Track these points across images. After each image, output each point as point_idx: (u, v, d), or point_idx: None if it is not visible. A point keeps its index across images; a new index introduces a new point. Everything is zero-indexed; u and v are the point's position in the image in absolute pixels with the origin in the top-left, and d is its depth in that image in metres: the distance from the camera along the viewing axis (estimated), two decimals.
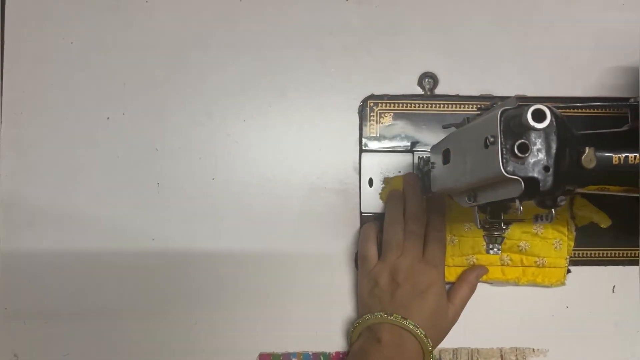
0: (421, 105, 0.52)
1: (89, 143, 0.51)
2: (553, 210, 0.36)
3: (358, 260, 0.49)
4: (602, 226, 0.50)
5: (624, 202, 0.48)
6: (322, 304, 0.50)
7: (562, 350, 0.50)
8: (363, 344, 0.46)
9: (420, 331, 0.44)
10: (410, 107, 0.52)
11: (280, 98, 0.52)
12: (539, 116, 0.32)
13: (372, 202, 0.51)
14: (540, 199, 0.35)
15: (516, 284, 0.50)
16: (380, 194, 0.51)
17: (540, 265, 0.49)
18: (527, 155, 0.33)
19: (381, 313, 0.45)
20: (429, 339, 0.44)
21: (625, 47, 0.52)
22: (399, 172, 0.51)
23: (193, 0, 0.52)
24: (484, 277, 0.50)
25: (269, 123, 0.51)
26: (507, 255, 0.49)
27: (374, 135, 0.51)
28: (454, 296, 0.48)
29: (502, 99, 0.44)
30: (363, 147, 0.51)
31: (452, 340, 0.49)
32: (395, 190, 0.50)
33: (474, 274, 0.49)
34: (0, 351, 0.49)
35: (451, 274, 0.49)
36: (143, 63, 0.51)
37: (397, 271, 0.46)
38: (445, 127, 0.50)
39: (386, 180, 0.51)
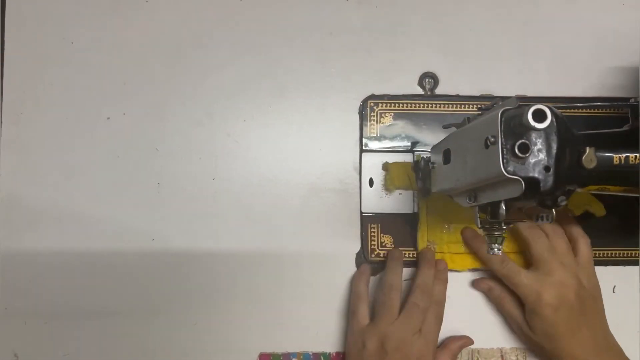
0: (421, 105, 0.52)
1: (89, 143, 0.51)
2: (553, 210, 0.36)
3: (348, 313, 0.49)
4: (597, 215, 0.50)
5: (624, 202, 0.48)
6: (322, 304, 0.50)
7: None
8: None
9: None
10: (411, 107, 0.52)
11: (280, 98, 0.52)
12: (539, 116, 0.32)
13: (372, 202, 0.51)
14: (541, 199, 0.35)
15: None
16: (384, 183, 0.51)
17: None
18: (527, 155, 0.33)
19: None
20: None
21: (625, 47, 0.52)
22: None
23: (193, 0, 0.52)
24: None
25: (269, 123, 0.51)
26: None
27: (374, 135, 0.51)
28: None
29: (503, 99, 0.44)
30: (363, 147, 0.51)
31: None
32: (396, 251, 0.50)
33: (457, 344, 0.48)
34: (0, 351, 0.49)
35: (453, 261, 0.50)
36: (143, 63, 0.51)
37: (387, 339, 0.44)
38: (445, 127, 0.50)
39: (385, 166, 0.51)
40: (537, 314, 0.45)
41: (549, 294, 0.44)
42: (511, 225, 0.45)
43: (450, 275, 0.50)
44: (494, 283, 0.49)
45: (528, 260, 0.48)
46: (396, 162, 0.51)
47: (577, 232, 0.48)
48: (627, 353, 0.47)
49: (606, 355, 0.45)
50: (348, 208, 0.51)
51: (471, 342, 0.49)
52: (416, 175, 0.50)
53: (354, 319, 0.47)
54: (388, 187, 0.50)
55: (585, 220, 0.51)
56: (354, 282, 0.49)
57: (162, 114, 0.51)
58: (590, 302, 0.46)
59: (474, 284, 0.50)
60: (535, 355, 0.49)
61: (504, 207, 0.36)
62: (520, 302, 0.47)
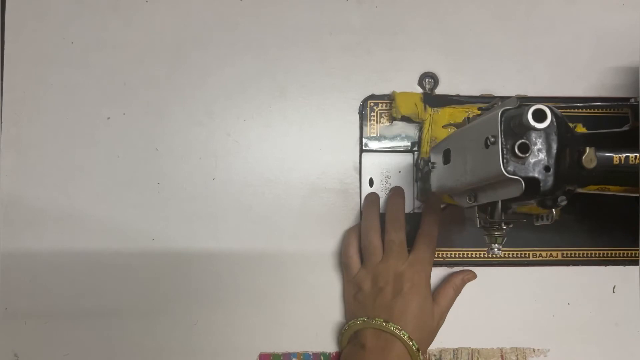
0: None
1: (89, 143, 0.51)
2: (553, 210, 0.36)
3: (342, 267, 0.50)
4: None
5: (624, 202, 0.48)
6: (322, 304, 0.50)
7: (562, 350, 0.50)
8: (349, 350, 0.46)
9: (403, 333, 0.43)
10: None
11: (280, 98, 0.52)
12: (539, 116, 0.32)
13: None
14: (541, 199, 0.35)
15: None
16: (392, 110, 0.50)
17: None
18: (527, 155, 0.33)
19: (364, 318, 0.45)
20: (413, 342, 0.44)
21: (625, 47, 0.52)
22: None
23: (193, 0, 0.52)
24: None
25: (269, 123, 0.51)
26: None
27: (374, 135, 0.51)
28: (438, 297, 0.48)
29: (503, 99, 0.44)
30: (363, 147, 0.51)
31: (452, 340, 0.50)
32: (372, 194, 0.50)
33: (459, 277, 0.49)
34: (0, 351, 0.49)
35: None
36: (143, 63, 0.51)
37: (378, 275, 0.46)
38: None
39: (392, 95, 0.50)
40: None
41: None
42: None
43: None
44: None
45: None
46: (403, 91, 0.51)
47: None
48: (627, 353, 0.47)
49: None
50: (348, 208, 0.51)
51: (474, 276, 0.49)
52: (416, 175, 0.50)
53: (347, 269, 0.49)
54: (394, 114, 0.50)
55: (586, 220, 0.51)
56: (344, 236, 0.50)
57: (162, 114, 0.51)
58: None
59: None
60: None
61: (500, 208, 0.36)
62: None
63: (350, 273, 0.48)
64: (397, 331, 0.43)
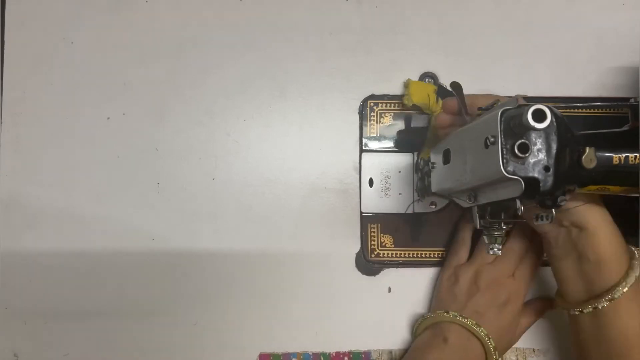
0: None
1: (89, 143, 0.51)
2: (553, 210, 0.36)
3: (446, 254, 0.50)
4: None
5: (624, 202, 0.48)
6: (322, 304, 0.50)
7: (562, 350, 0.50)
8: (428, 340, 0.46)
9: (491, 342, 0.43)
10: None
11: (280, 98, 0.52)
12: (539, 116, 0.32)
13: (372, 202, 0.51)
14: (541, 199, 0.35)
15: None
16: (404, 97, 0.50)
17: None
18: (527, 155, 0.33)
19: (456, 313, 0.45)
20: (496, 352, 0.44)
21: (625, 47, 0.52)
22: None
23: (193, 0, 0.52)
24: None
25: (269, 123, 0.51)
26: None
27: (374, 135, 0.51)
28: (523, 318, 0.47)
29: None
30: (363, 147, 0.51)
31: None
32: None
33: (543, 304, 0.49)
34: (0, 351, 0.49)
35: None
36: (143, 63, 0.51)
37: (481, 275, 0.46)
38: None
39: (406, 83, 0.50)
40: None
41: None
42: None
43: None
44: None
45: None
46: (418, 81, 0.51)
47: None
48: None
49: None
50: (348, 208, 0.51)
51: (552, 307, 0.49)
52: (416, 175, 0.50)
53: (452, 256, 0.48)
54: (405, 102, 0.50)
55: None
56: (459, 227, 0.50)
57: (162, 114, 0.51)
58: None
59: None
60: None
61: (519, 203, 0.35)
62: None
63: (453, 262, 0.48)
64: (485, 338, 0.43)
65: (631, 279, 0.40)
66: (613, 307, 0.39)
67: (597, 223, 0.40)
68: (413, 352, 0.46)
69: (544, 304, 0.49)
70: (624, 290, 0.39)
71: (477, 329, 0.44)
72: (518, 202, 0.35)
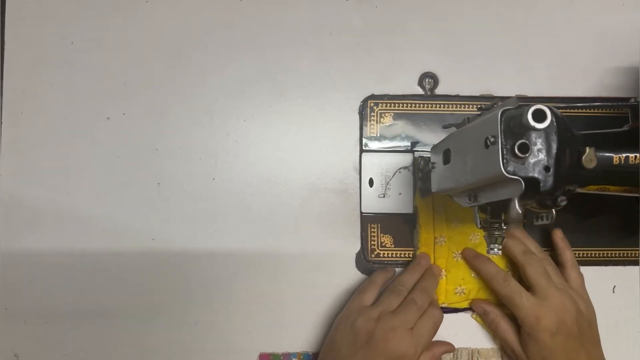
0: (421, 105, 0.52)
1: (89, 143, 0.51)
2: (553, 210, 0.36)
3: (353, 294, 0.48)
4: None
5: (624, 202, 0.48)
6: (322, 304, 0.50)
7: None
8: None
9: None
10: (411, 107, 0.52)
11: (280, 98, 0.52)
12: (539, 116, 0.32)
13: (372, 202, 0.51)
14: (541, 199, 0.35)
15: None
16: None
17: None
18: (527, 155, 0.33)
19: None
20: None
21: (625, 47, 0.52)
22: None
23: (193, 0, 0.52)
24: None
25: (269, 123, 0.51)
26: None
27: (374, 135, 0.51)
28: None
29: (503, 99, 0.44)
30: (363, 147, 0.51)
31: (452, 341, 0.49)
32: (425, 258, 0.49)
33: (441, 349, 0.47)
34: (0, 351, 0.49)
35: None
36: (143, 63, 0.51)
37: (378, 325, 0.43)
38: (445, 127, 0.50)
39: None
40: (534, 339, 0.44)
41: (548, 319, 0.43)
42: (504, 240, 0.43)
43: None
44: (489, 307, 0.48)
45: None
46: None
47: (567, 257, 0.48)
48: (627, 353, 0.47)
49: None
50: (348, 208, 0.51)
51: (453, 349, 0.48)
52: (416, 175, 0.50)
53: (358, 296, 0.47)
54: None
55: (586, 220, 0.51)
56: (375, 273, 0.49)
57: (162, 114, 0.51)
58: (587, 328, 0.45)
59: (471, 304, 0.50)
60: None
61: (518, 205, 0.35)
62: (515, 327, 0.47)
63: (357, 302, 0.46)
64: None
65: None
66: None
67: None
68: None
69: (441, 348, 0.48)
70: None
71: None
72: (517, 204, 0.35)
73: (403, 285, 0.47)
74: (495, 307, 0.48)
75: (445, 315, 0.48)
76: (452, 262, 0.49)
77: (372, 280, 0.48)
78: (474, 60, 0.52)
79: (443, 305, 0.49)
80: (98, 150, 0.51)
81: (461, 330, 0.50)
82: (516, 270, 0.48)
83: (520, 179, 0.33)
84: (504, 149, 0.33)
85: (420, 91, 0.52)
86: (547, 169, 0.33)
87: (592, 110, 0.52)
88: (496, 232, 0.40)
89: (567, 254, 0.48)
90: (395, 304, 0.45)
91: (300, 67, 0.52)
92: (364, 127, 0.52)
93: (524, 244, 0.47)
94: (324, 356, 0.46)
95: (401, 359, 0.43)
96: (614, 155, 0.37)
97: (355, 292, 0.48)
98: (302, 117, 0.52)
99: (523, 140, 0.33)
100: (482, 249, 0.49)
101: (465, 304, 0.50)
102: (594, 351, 0.45)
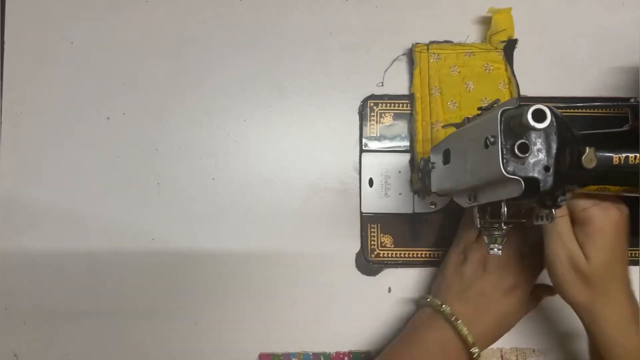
0: None
1: (89, 143, 0.51)
2: (553, 210, 0.36)
3: (457, 232, 0.48)
4: None
5: (624, 202, 0.48)
6: (322, 304, 0.50)
7: (562, 350, 0.50)
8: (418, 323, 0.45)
9: (468, 338, 0.42)
10: (411, 107, 0.52)
11: (280, 98, 0.52)
12: (539, 116, 0.32)
13: (372, 202, 0.51)
14: (541, 199, 0.35)
15: None
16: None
17: None
18: (527, 155, 0.33)
19: (445, 306, 0.44)
20: (475, 346, 0.43)
21: (625, 47, 0.52)
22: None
23: (193, 0, 0.52)
24: None
25: (269, 123, 0.51)
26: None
27: (374, 135, 0.51)
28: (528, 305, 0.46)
29: None
30: (363, 147, 0.51)
31: None
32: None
33: (544, 291, 0.47)
34: (0, 351, 0.49)
35: None
36: (143, 63, 0.51)
37: (489, 258, 0.44)
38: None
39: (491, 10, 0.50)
40: (599, 231, 0.39)
41: (607, 214, 0.39)
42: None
43: None
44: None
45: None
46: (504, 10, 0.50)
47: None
48: None
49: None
50: (348, 208, 0.51)
51: (552, 293, 0.47)
52: (416, 175, 0.50)
53: (462, 233, 0.47)
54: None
55: None
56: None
57: (162, 114, 0.51)
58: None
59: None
60: (573, 302, 0.42)
61: (505, 208, 0.36)
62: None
63: (463, 238, 0.47)
64: (466, 334, 0.43)
65: None
66: None
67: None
68: (404, 332, 0.46)
69: (544, 291, 0.47)
70: None
71: (461, 329, 0.43)
72: (503, 206, 0.35)
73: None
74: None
75: None
76: (446, 79, 0.50)
77: (471, 217, 0.45)
78: None
79: (439, 122, 0.49)
80: (98, 150, 0.51)
81: None
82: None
83: (520, 179, 0.33)
84: (504, 149, 0.33)
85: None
86: (547, 168, 0.33)
87: (592, 110, 0.52)
88: (496, 232, 0.40)
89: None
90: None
91: (300, 67, 0.52)
92: (364, 127, 0.52)
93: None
94: (444, 293, 0.46)
95: (514, 289, 0.43)
96: (614, 155, 0.37)
97: (458, 232, 0.48)
98: (302, 117, 0.52)
99: (523, 140, 0.33)
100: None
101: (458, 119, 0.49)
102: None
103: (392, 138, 0.52)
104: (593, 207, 0.39)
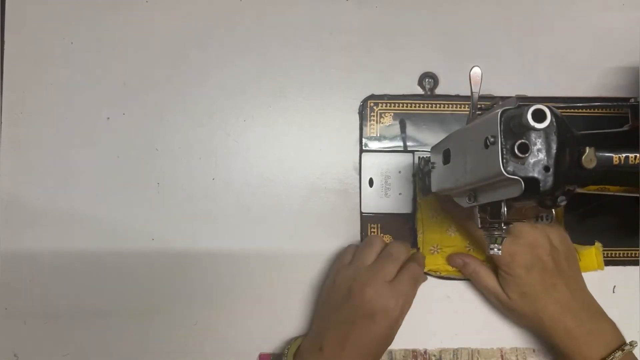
0: (421, 105, 0.52)
1: (89, 143, 0.51)
2: (553, 210, 0.36)
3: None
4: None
5: (624, 202, 0.48)
6: None
7: None
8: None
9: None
10: (411, 107, 0.52)
11: (281, 98, 0.52)
12: (539, 116, 0.32)
13: (372, 202, 0.51)
14: (541, 199, 0.35)
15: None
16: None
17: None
18: (527, 155, 0.33)
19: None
20: None
21: (625, 47, 0.52)
22: (399, 171, 0.51)
23: (193, 0, 0.52)
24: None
25: (269, 123, 0.51)
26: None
27: (374, 135, 0.51)
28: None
29: (503, 99, 0.44)
30: (363, 147, 0.51)
31: (452, 341, 0.50)
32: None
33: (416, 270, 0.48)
34: (0, 351, 0.49)
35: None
36: (143, 63, 0.51)
37: (355, 280, 0.44)
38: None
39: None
40: (512, 276, 0.45)
41: (522, 256, 0.44)
42: None
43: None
44: (467, 258, 0.49)
45: None
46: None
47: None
48: None
49: (584, 312, 0.45)
50: (348, 208, 0.51)
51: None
52: (416, 175, 0.50)
53: (337, 258, 0.49)
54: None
55: (586, 220, 0.51)
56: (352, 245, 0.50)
57: (162, 114, 0.51)
58: (563, 262, 0.45)
59: (449, 260, 0.50)
60: (520, 325, 0.49)
61: (505, 208, 0.36)
62: (494, 273, 0.47)
63: (337, 264, 0.48)
64: None
65: None
66: None
67: None
68: None
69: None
70: None
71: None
72: (503, 207, 0.35)
73: (378, 238, 0.48)
74: (473, 258, 0.49)
75: (447, 315, 0.48)
76: (428, 224, 0.50)
77: (350, 244, 0.50)
78: (474, 60, 0.52)
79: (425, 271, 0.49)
80: (98, 150, 0.51)
81: (461, 330, 0.50)
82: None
83: (520, 179, 0.33)
84: (504, 149, 0.33)
85: (420, 91, 0.52)
86: (546, 169, 0.33)
87: (592, 110, 0.52)
88: (496, 232, 0.40)
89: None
90: (371, 259, 0.46)
91: (300, 67, 0.52)
92: (364, 127, 0.52)
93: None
94: (316, 319, 0.48)
95: (382, 313, 0.43)
96: (614, 155, 0.37)
97: (338, 257, 0.49)
98: (302, 117, 0.52)
99: (523, 140, 0.33)
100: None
101: (441, 263, 0.50)
102: (573, 284, 0.46)
103: (392, 138, 0.52)
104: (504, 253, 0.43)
